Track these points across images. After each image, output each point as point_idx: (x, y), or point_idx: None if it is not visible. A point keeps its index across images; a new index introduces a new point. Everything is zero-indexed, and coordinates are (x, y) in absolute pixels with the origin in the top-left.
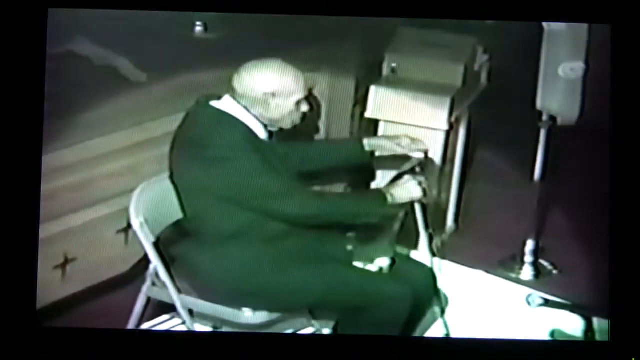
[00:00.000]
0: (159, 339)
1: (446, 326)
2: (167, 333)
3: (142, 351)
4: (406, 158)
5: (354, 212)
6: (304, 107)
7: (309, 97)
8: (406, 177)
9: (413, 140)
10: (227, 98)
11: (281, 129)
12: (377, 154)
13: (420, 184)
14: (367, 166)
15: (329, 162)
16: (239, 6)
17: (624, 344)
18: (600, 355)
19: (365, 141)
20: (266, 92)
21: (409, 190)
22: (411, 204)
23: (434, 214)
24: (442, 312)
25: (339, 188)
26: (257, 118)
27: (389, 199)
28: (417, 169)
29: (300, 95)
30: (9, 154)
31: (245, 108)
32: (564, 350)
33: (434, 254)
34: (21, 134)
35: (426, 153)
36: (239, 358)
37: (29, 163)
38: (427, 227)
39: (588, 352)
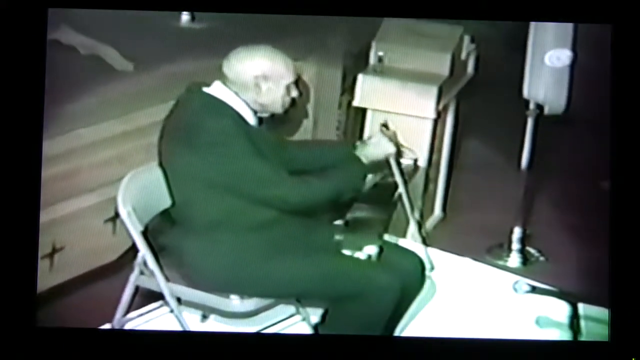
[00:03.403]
0: (157, 339)
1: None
2: (165, 333)
3: (140, 351)
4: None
5: (340, 190)
6: (294, 92)
7: (298, 82)
8: (376, 135)
9: (403, 146)
10: (217, 84)
11: (272, 116)
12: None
13: (390, 139)
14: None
15: (317, 164)
16: (231, 6)
17: (624, 344)
18: (600, 355)
19: (357, 145)
20: (257, 75)
21: (381, 146)
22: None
23: (422, 202)
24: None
25: None
26: (247, 104)
27: (364, 160)
28: (383, 129)
29: (290, 79)
30: (7, 153)
31: (236, 94)
32: (563, 350)
33: (423, 240)
34: (20, 136)
35: (415, 160)
36: (237, 358)
37: (25, 156)
38: (412, 209)
39: (588, 352)
